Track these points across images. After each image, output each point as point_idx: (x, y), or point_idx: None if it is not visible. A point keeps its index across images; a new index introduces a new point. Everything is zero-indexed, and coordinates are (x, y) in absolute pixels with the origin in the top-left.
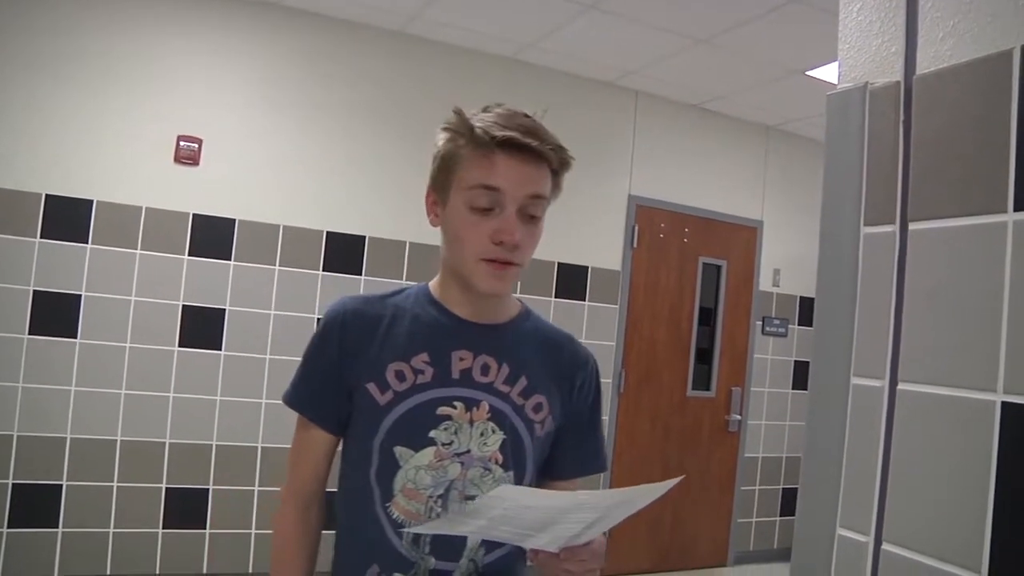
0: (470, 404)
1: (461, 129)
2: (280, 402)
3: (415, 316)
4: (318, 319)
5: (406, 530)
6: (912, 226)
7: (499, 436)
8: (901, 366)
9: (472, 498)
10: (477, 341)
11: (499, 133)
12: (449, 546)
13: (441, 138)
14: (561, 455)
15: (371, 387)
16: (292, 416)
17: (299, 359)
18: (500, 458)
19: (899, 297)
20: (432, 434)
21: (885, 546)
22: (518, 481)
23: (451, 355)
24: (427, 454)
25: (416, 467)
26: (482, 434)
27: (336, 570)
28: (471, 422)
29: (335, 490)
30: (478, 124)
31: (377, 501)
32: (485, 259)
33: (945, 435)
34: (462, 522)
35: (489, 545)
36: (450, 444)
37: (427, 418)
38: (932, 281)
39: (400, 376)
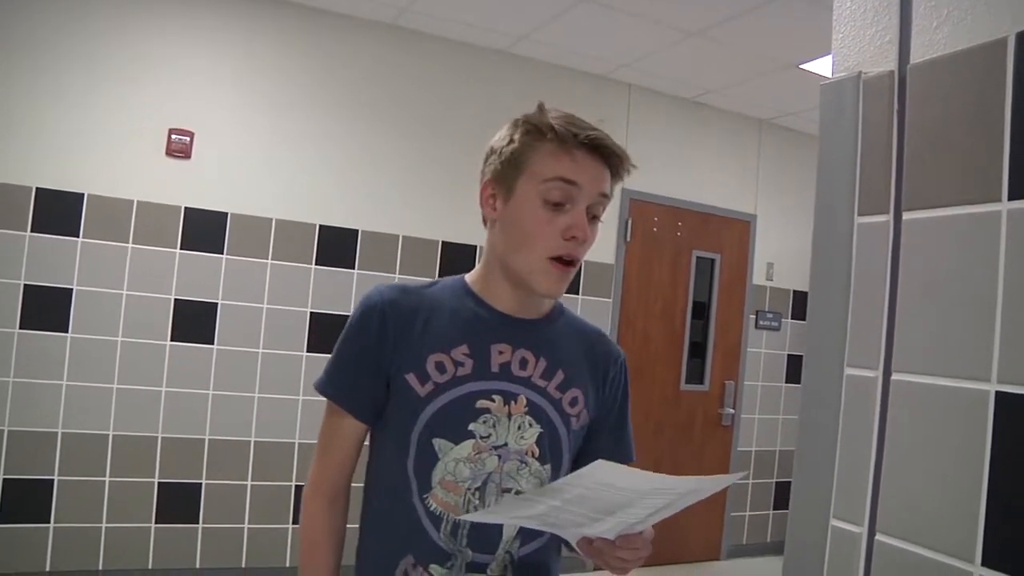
0: (508, 397)
1: (542, 124)
2: (272, 396)
3: (453, 309)
4: (311, 313)
5: (465, 518)
6: (906, 216)
7: (536, 430)
8: (895, 356)
9: (508, 491)
10: (516, 335)
11: (583, 132)
12: (486, 538)
13: (515, 131)
14: (593, 448)
15: (410, 378)
16: (283, 411)
17: (291, 353)
18: (536, 451)
19: (893, 287)
20: (471, 427)
21: (879, 537)
22: (554, 475)
23: (490, 348)
24: (466, 447)
25: (455, 459)
26: (519, 427)
27: (364, 562)
28: (509, 415)
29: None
30: (556, 122)
31: (414, 493)
32: (553, 257)
33: (939, 425)
34: (533, 502)
35: (525, 537)
36: (488, 437)
37: (466, 411)
38: (926, 271)
39: (440, 367)
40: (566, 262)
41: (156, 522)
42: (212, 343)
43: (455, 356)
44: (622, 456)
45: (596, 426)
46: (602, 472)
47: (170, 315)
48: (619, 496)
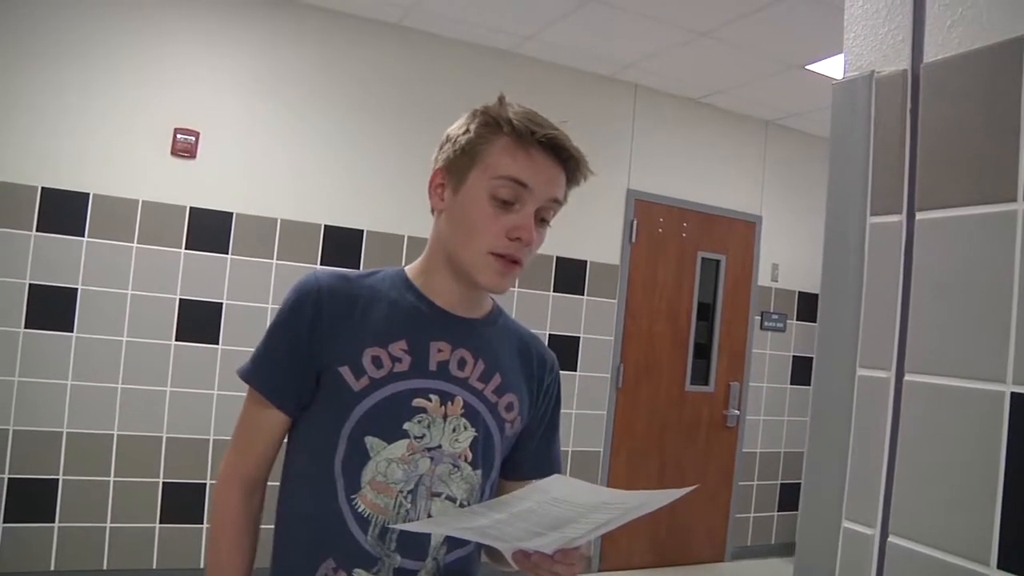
0: (445, 398)
1: (499, 117)
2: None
3: (392, 301)
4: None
5: (403, 527)
6: (919, 215)
7: (471, 433)
8: (908, 357)
9: (439, 495)
10: (456, 333)
11: (541, 131)
12: (416, 544)
13: (472, 122)
14: (522, 456)
15: (344, 371)
16: None
17: None
18: (470, 455)
19: (906, 287)
20: (406, 426)
21: (892, 539)
22: (485, 480)
23: (429, 345)
24: (400, 447)
25: (388, 459)
26: (454, 430)
27: (279, 565)
28: (445, 417)
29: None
30: (515, 117)
31: (340, 492)
32: (494, 253)
33: (953, 426)
34: (479, 515)
35: (451, 544)
36: (422, 438)
37: (402, 409)
38: (940, 271)
39: (377, 362)
40: (510, 259)
41: (161, 522)
42: (217, 343)
43: (392, 351)
44: (550, 465)
45: (527, 433)
46: (558, 487)
47: (175, 315)
48: (569, 511)
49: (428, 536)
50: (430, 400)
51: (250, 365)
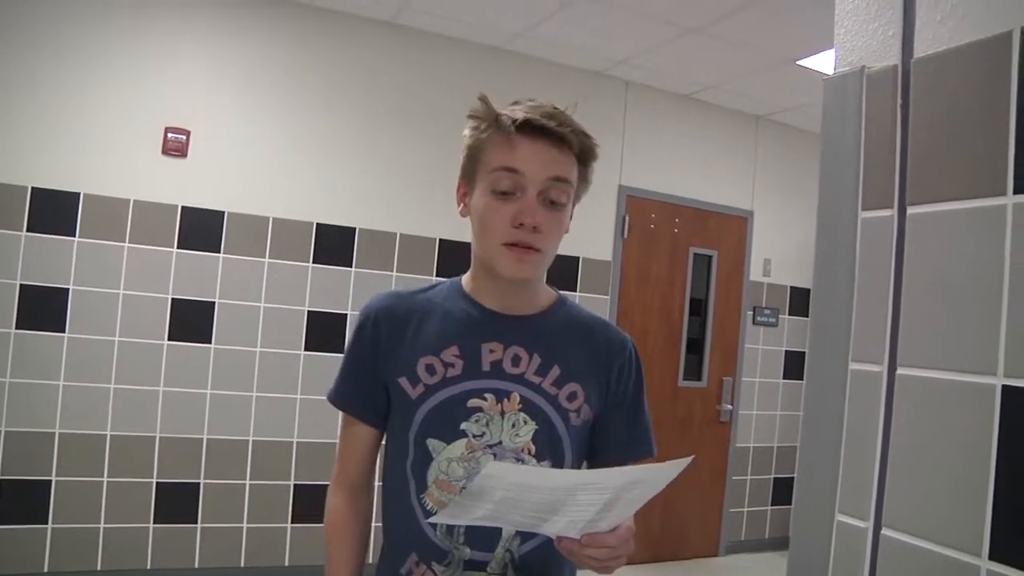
0: (501, 395)
1: (485, 116)
2: (270, 395)
3: (446, 311)
4: (309, 311)
5: (431, 520)
6: (911, 210)
7: (531, 427)
8: (900, 351)
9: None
10: (507, 333)
11: (519, 116)
12: (483, 536)
13: (468, 127)
14: (605, 441)
15: (403, 381)
16: (281, 410)
17: (288, 352)
18: (533, 448)
19: (897, 281)
20: (463, 426)
21: (885, 531)
22: None
23: (481, 347)
24: (459, 446)
25: (448, 459)
26: (513, 425)
27: (381, 561)
28: (502, 413)
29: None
30: (503, 112)
31: (413, 492)
32: (507, 243)
33: (945, 419)
34: (471, 506)
35: (524, 535)
36: (482, 436)
37: (458, 410)
38: (931, 265)
39: (430, 370)
40: (523, 246)
41: (154, 522)
42: (210, 342)
43: (445, 358)
44: (637, 448)
45: (607, 419)
46: (502, 472)
47: (167, 314)
48: (547, 496)
49: (497, 529)
50: (485, 399)
51: (333, 388)
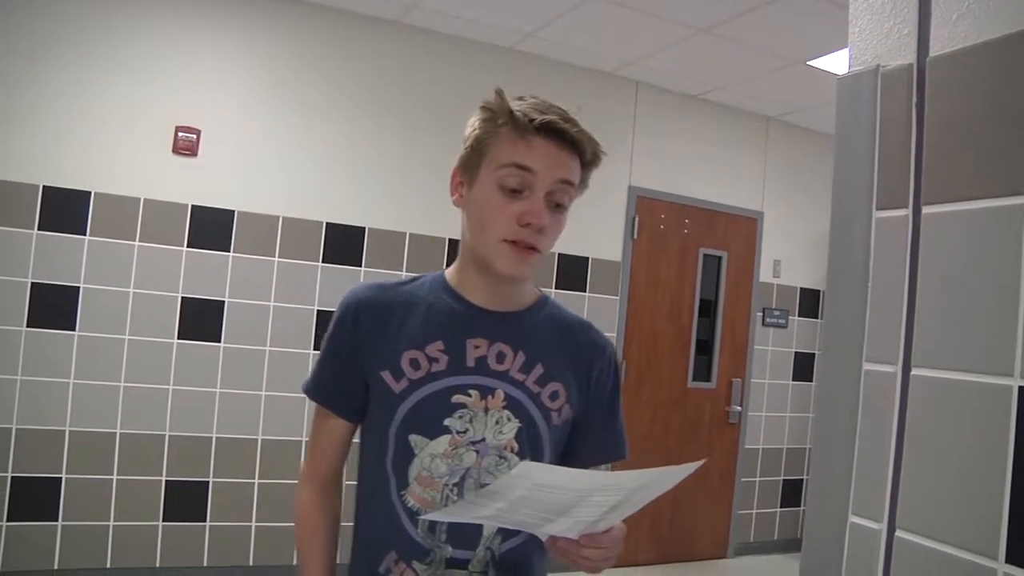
0: (485, 392)
1: (500, 110)
2: (279, 394)
3: (430, 304)
4: (318, 311)
5: (424, 517)
6: (926, 210)
7: (514, 424)
8: (915, 351)
9: (486, 487)
10: (492, 329)
11: (539, 116)
12: (465, 534)
13: (477, 118)
14: (581, 442)
15: (385, 375)
16: (290, 409)
17: (298, 351)
18: (515, 446)
19: (912, 281)
20: (447, 422)
21: (899, 533)
22: None
23: (466, 343)
24: (442, 442)
25: (431, 455)
26: (497, 422)
27: (354, 558)
28: (486, 410)
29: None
30: (517, 108)
31: (393, 489)
32: (508, 240)
33: (960, 421)
34: (481, 505)
35: (506, 534)
36: (465, 432)
37: (441, 406)
38: (946, 265)
39: (415, 364)
40: (525, 245)
41: (163, 520)
42: (219, 341)
43: (429, 352)
44: (612, 451)
45: (583, 420)
46: (533, 471)
47: (177, 313)
48: (564, 496)
49: (478, 526)
50: (469, 395)
51: (309, 379)
